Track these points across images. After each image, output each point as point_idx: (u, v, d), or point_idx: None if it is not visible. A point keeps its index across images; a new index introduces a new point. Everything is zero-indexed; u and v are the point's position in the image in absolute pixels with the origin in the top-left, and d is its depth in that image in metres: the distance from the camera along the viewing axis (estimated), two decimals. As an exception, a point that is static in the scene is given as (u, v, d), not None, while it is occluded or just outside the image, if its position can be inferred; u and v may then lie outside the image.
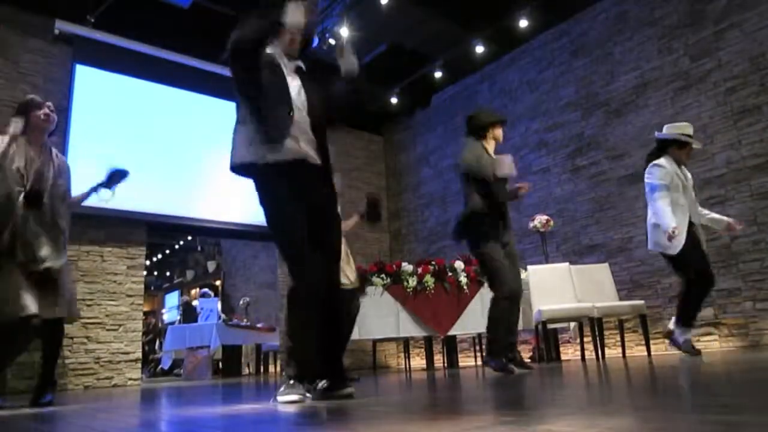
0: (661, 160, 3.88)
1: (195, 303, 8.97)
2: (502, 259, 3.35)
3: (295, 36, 2.34)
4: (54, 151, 3.10)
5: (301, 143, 2.22)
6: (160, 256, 14.53)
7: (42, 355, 3.03)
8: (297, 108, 2.24)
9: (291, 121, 2.18)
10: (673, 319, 3.92)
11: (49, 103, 3.06)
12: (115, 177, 3.31)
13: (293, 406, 1.91)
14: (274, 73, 2.23)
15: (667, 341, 4.12)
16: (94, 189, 3.23)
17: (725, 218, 4.03)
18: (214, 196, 6.38)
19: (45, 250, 2.83)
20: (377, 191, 8.61)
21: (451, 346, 5.67)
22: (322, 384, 2.16)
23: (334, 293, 2.32)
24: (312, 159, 2.26)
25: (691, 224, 3.80)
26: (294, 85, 2.30)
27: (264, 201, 2.23)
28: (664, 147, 3.94)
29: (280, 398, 2.05)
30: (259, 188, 2.23)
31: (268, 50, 2.30)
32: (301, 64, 2.41)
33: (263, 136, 2.16)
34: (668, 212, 3.70)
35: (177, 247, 14.01)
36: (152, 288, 14.69)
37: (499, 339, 3.28)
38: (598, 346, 4.51)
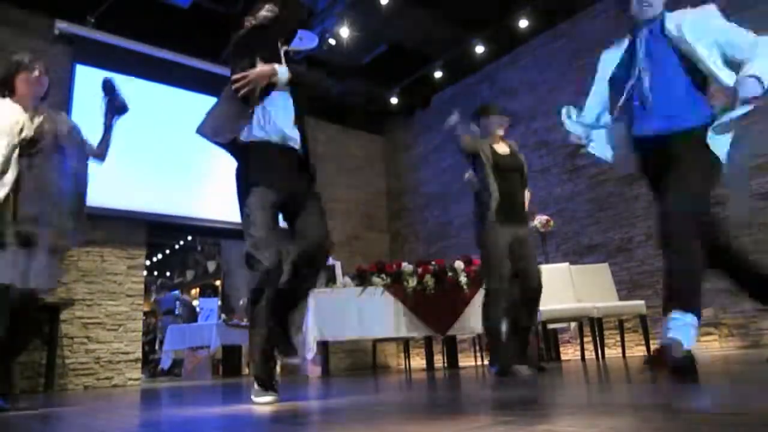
0: None
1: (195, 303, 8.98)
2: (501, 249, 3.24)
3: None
4: (53, 114, 2.84)
5: (284, 127, 2.33)
6: (160, 256, 14.53)
7: (7, 345, 2.56)
8: (283, 91, 2.36)
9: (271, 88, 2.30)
10: None
11: (40, 62, 2.80)
12: (114, 103, 3.13)
13: (289, 406, 1.90)
14: (269, 51, 2.36)
15: None
16: (108, 127, 3.12)
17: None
18: (214, 196, 6.38)
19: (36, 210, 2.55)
20: (376, 192, 8.63)
21: (451, 346, 5.67)
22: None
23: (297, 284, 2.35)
24: (293, 143, 2.37)
25: None
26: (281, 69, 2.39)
27: (240, 179, 2.33)
28: None
29: (254, 399, 2.09)
30: (241, 165, 2.34)
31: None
32: (286, 48, 2.52)
33: (245, 112, 2.28)
34: None
35: (177, 247, 14.01)
36: (152, 288, 14.69)
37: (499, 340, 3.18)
38: (598, 346, 4.51)
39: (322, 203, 2.45)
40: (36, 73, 2.73)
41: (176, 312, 9.09)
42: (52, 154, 2.69)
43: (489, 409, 1.47)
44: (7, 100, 2.67)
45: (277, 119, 2.32)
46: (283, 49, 2.48)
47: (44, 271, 2.54)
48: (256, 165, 2.28)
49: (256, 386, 2.14)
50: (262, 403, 2.03)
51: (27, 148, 2.59)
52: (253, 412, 1.84)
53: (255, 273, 2.16)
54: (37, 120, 2.68)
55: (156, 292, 10.25)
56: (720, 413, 1.10)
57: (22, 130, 2.59)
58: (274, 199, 2.25)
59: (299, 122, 2.41)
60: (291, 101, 2.39)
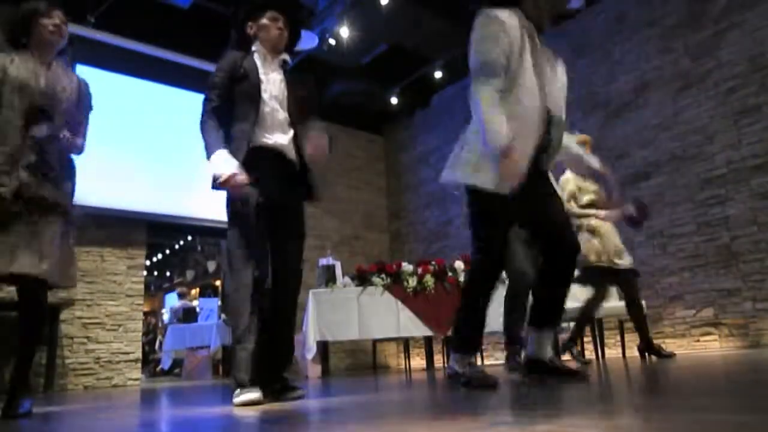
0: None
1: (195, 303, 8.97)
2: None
3: (282, 30, 2.41)
4: (69, 71, 2.50)
5: (276, 137, 2.30)
6: (160, 256, 14.53)
7: (18, 341, 2.24)
8: (277, 102, 2.33)
9: (252, 133, 2.25)
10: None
11: (58, 12, 2.44)
12: None
13: (289, 406, 1.90)
14: (249, 84, 2.30)
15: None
16: None
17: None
18: (214, 196, 6.36)
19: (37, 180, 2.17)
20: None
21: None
22: (275, 387, 2.19)
23: (281, 296, 2.29)
24: (287, 153, 2.33)
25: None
26: (276, 80, 2.37)
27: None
28: None
29: (236, 401, 2.03)
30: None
31: (253, 49, 2.39)
32: (287, 57, 2.48)
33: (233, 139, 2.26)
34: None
35: (177, 247, 14.02)
36: (152, 288, 14.69)
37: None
38: (598, 346, 4.51)
39: (305, 228, 2.42)
40: (56, 20, 2.38)
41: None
42: (63, 123, 2.31)
43: (489, 409, 1.47)
44: (21, 55, 2.31)
45: (272, 127, 2.31)
46: (281, 58, 2.46)
47: (56, 257, 2.16)
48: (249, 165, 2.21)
49: (236, 390, 2.08)
50: (245, 402, 1.99)
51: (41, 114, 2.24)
52: (253, 412, 1.84)
53: (236, 277, 2.12)
54: (52, 76, 2.33)
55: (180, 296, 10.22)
56: (720, 413, 1.10)
57: (34, 92, 2.25)
58: (260, 201, 2.22)
59: (295, 129, 2.39)
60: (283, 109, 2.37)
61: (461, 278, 5.21)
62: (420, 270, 5.17)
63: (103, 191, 5.75)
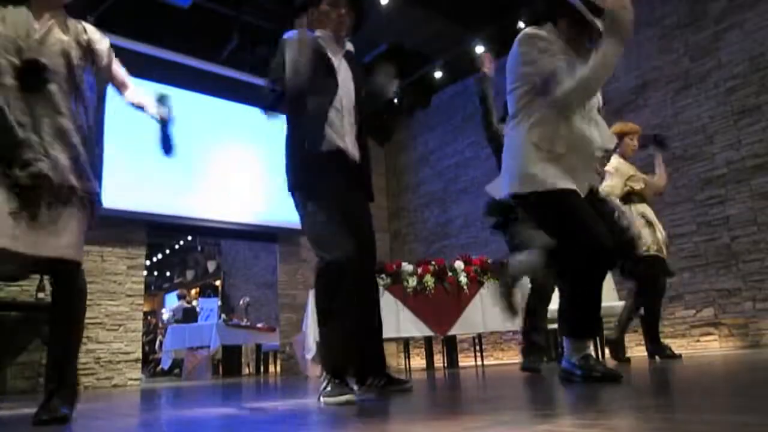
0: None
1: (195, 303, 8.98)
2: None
3: (343, 17, 2.24)
4: (79, 23, 2.09)
5: (345, 137, 2.15)
6: (160, 256, 14.54)
7: (49, 331, 1.95)
8: (343, 96, 2.17)
9: (327, 114, 2.09)
10: None
11: None
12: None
13: (289, 406, 1.90)
14: (322, 67, 2.13)
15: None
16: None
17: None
18: (214, 196, 6.37)
19: (60, 156, 1.91)
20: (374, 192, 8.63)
21: (451, 346, 5.67)
22: (377, 381, 2.12)
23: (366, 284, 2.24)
24: (351, 154, 2.17)
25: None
26: (342, 71, 2.23)
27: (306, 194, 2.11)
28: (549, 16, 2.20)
29: (327, 400, 1.84)
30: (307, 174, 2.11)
31: (318, 34, 2.22)
32: (350, 46, 2.32)
33: (305, 133, 2.09)
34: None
35: (177, 247, 14.03)
36: (152, 288, 14.70)
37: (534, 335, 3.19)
38: (599, 346, 4.51)
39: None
40: None
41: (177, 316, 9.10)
42: (67, 89, 1.95)
43: (489, 409, 1.47)
44: (20, 9, 1.93)
45: (343, 127, 2.14)
46: (345, 49, 2.29)
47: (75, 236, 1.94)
48: (323, 176, 2.06)
49: (328, 385, 1.89)
50: (337, 404, 1.81)
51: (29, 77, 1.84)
52: (252, 412, 1.84)
53: (329, 266, 1.99)
54: (44, 31, 1.91)
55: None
56: (720, 413, 1.10)
57: (20, 48, 1.85)
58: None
59: (360, 132, 2.23)
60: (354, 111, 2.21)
61: (461, 278, 5.21)
62: (420, 270, 5.16)
63: (103, 191, 5.74)
